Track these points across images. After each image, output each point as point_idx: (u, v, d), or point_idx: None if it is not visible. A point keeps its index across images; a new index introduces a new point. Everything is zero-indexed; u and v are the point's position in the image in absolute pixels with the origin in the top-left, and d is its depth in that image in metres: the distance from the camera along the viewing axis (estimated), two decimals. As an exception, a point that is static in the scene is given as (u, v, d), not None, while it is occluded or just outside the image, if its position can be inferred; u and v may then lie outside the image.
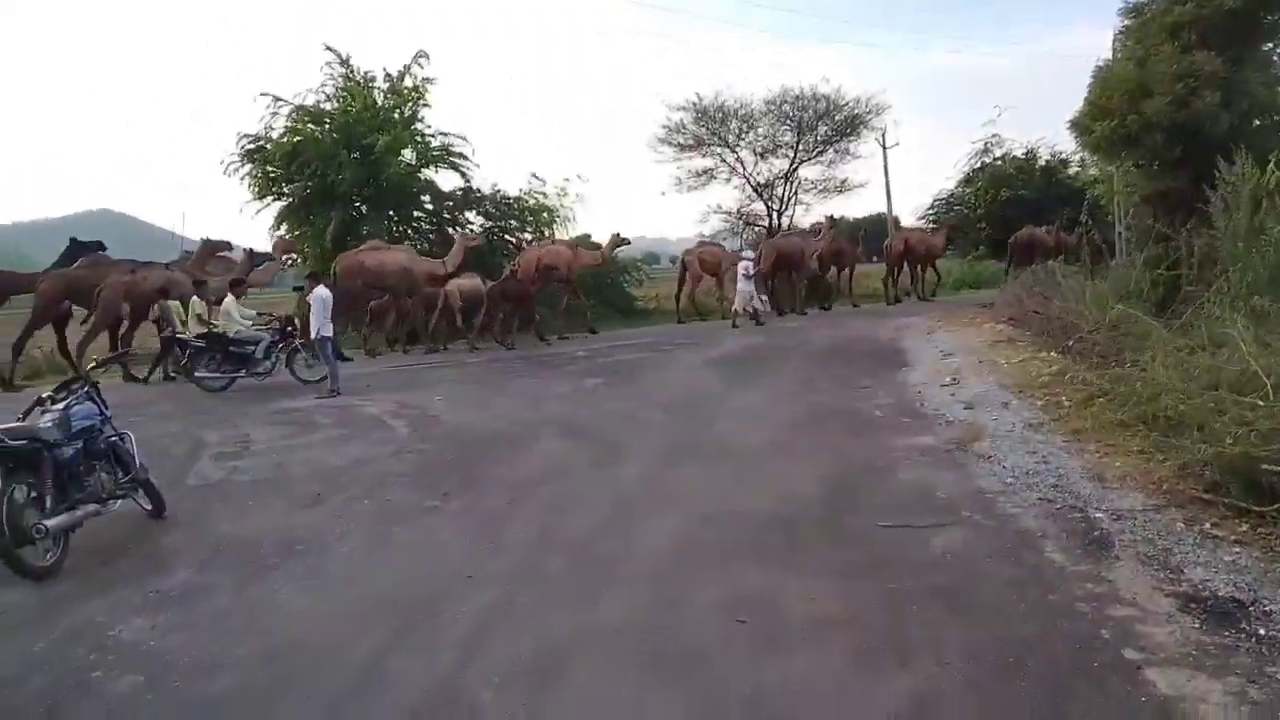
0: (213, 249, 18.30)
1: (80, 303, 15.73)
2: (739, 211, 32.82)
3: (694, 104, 30.93)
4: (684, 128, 31.32)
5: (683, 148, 31.80)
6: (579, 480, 7.12)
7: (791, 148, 31.57)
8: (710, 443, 8.13)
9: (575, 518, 6.04)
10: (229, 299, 13.30)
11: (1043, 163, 34.73)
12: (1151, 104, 17.88)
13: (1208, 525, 5.02)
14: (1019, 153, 34.99)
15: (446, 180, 24.08)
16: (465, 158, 23.04)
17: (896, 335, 16.18)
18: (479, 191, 23.57)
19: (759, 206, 32.51)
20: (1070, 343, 11.35)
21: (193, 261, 17.38)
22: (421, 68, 22.65)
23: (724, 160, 32.01)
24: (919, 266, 26.99)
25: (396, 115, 22.27)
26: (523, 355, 16.36)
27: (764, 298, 22.23)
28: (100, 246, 17.78)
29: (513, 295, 18.29)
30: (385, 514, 6.41)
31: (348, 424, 9.97)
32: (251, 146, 22.19)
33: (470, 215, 23.87)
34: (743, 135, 31.53)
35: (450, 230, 23.03)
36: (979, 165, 35.70)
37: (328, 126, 21.75)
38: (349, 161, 20.89)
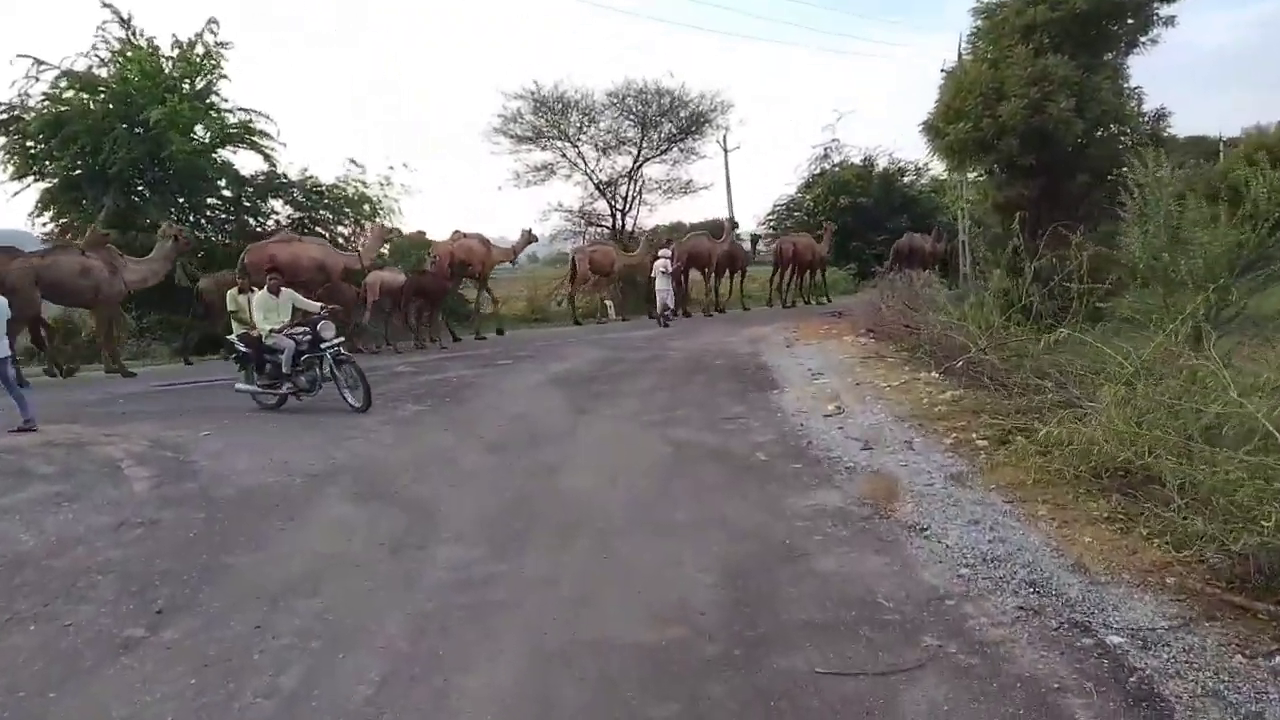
0: None
1: None
2: (581, 210, 30.98)
3: (532, 93, 28.86)
4: (521, 117, 29.19)
5: (520, 139, 29.63)
6: (366, 579, 4.88)
7: (635, 144, 29.99)
8: (555, 507, 6.10)
9: (353, 662, 3.89)
10: None
11: (880, 169, 34.83)
12: (1007, 107, 17.36)
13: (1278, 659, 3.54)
14: (857, 159, 35.00)
15: (249, 163, 21.10)
16: (268, 136, 20.04)
17: (755, 349, 14.74)
18: (284, 177, 20.59)
19: (602, 205, 30.81)
20: (958, 364, 10.15)
21: None
22: (214, 34, 19.54)
23: (564, 155, 30.08)
24: (806, 271, 26.63)
25: (186, 86, 19.10)
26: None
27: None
28: None
29: (428, 290, 17.41)
30: (48, 660, 4.01)
31: (71, 474, 7.23)
32: (4, 116, 18.43)
33: (276, 204, 20.91)
34: (584, 129, 29.68)
35: (250, 220, 20.09)
36: (818, 171, 35.50)
37: (103, 96, 18.33)
38: (125, 136, 17.61)
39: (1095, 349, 8.10)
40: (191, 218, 19.38)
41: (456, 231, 20.64)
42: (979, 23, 19.25)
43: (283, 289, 10.34)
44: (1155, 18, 17.83)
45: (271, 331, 9.98)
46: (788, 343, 15.35)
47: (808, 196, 34.96)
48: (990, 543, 4.96)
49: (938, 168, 35.63)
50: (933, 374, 10.73)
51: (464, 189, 64.75)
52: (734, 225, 26.66)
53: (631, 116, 29.54)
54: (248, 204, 20.36)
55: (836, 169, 34.74)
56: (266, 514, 6.10)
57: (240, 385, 10.51)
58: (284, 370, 9.85)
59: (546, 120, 29.31)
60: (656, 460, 7.22)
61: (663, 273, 21.24)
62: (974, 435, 7.51)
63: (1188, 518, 4.61)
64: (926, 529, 5.28)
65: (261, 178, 20.37)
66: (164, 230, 15.38)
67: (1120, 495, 5.52)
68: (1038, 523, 5.27)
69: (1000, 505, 5.66)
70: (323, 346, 9.67)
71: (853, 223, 30.71)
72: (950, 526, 5.29)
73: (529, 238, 22.07)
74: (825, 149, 35.08)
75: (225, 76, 19.79)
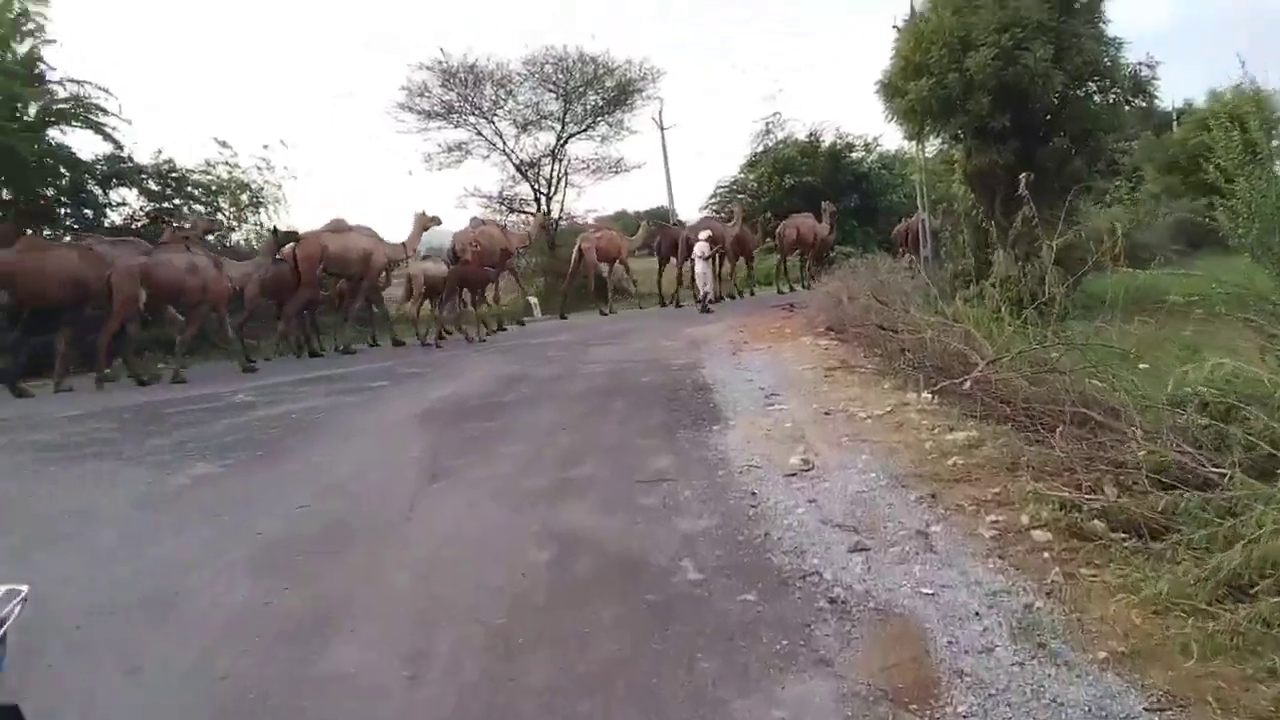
0: None
1: None
2: (501, 195, 27.84)
3: (440, 63, 25.63)
4: (428, 91, 25.94)
5: (429, 115, 26.38)
6: None
7: (558, 119, 26.93)
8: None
9: None
10: None
11: (827, 145, 32.26)
12: (975, 58, 14.83)
13: None
14: (802, 135, 32.39)
15: (88, 146, 17.77)
16: (107, 112, 16.59)
17: (695, 357, 11.93)
18: (130, 160, 17.17)
19: (525, 189, 27.71)
20: (963, 384, 7.47)
21: None
22: (46, -6, 16.07)
23: (480, 133, 26.90)
24: (806, 255, 24.86)
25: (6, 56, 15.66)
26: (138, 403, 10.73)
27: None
28: None
29: (471, 280, 16.73)
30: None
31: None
32: None
33: (125, 193, 17.53)
34: (500, 103, 26.54)
35: (89, 214, 16.74)
36: (761, 149, 32.87)
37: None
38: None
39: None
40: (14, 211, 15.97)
41: (475, 218, 20.08)
42: (938, -39, 16.63)
43: None
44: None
45: None
46: (734, 348, 12.57)
47: (751, 176, 32.31)
48: None
49: (889, 142, 33.57)
50: (924, 395, 8.06)
51: (363, 173, 59.94)
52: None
53: (552, 87, 26.45)
54: (92, 191, 16.98)
55: (781, 145, 32.14)
56: None
57: None
58: None
59: (457, 94, 26.13)
60: (518, 592, 4.26)
61: (701, 257, 19.89)
62: (1023, 516, 4.81)
63: None
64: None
65: (102, 162, 16.96)
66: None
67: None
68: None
69: (1137, 709, 2.95)
70: None
71: (800, 204, 28.04)
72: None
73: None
74: (767, 124, 32.42)
75: (51, 41, 16.40)
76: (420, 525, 5.29)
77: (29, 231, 13.51)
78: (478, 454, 7.00)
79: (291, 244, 14.66)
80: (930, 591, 4.06)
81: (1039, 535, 4.57)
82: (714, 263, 21.38)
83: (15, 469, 7.06)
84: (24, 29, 15.82)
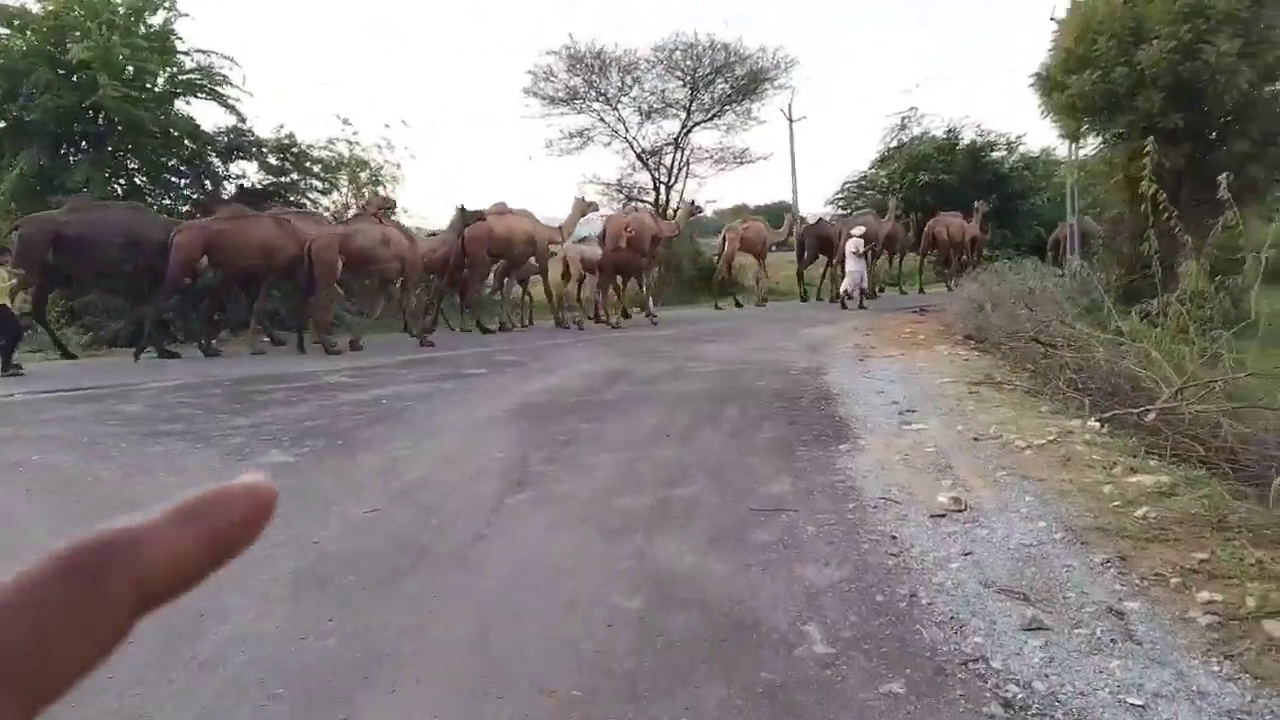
0: None
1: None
2: (619, 183, 27.22)
3: (567, 48, 25.14)
4: (553, 75, 25.49)
5: (553, 101, 25.97)
6: None
7: (683, 107, 26.08)
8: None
9: None
10: None
11: (966, 143, 30.44)
12: (1148, 51, 13.36)
13: None
14: (940, 131, 30.64)
15: (210, 117, 17.89)
16: (231, 84, 16.58)
17: (817, 361, 10.91)
18: (251, 134, 17.15)
19: (644, 177, 26.98)
20: (1147, 415, 6.27)
21: None
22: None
23: (603, 119, 26.33)
24: (957, 254, 23.72)
25: (134, 23, 15.78)
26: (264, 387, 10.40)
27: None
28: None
29: (624, 265, 16.78)
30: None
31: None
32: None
33: (245, 165, 17.55)
34: (626, 89, 25.89)
35: (209, 185, 16.79)
36: (895, 144, 31.26)
37: (30, 33, 15.09)
38: (47, 78, 14.35)
39: None
40: (137, 180, 16.12)
41: (629, 204, 20.64)
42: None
43: None
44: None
45: None
46: (861, 353, 11.47)
47: (882, 173, 30.77)
48: None
49: (1033, 142, 31.45)
50: (1091, 423, 6.88)
51: (485, 157, 60.37)
52: (984, 209, 24.45)
53: (679, 74, 25.63)
54: (211, 162, 17.04)
55: (917, 141, 30.49)
56: None
57: None
58: None
59: (583, 79, 25.60)
60: (598, 654, 3.37)
61: (855, 253, 19.72)
62: (1248, 599, 3.71)
63: None
64: None
65: (225, 135, 16.98)
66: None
67: None
68: None
69: None
70: None
71: (934, 202, 26.43)
72: None
73: (692, 209, 20.09)
74: (903, 119, 30.80)
75: (184, 14, 16.49)
76: (494, 549, 4.51)
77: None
78: (568, 461, 6.22)
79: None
80: (1139, 703, 3.04)
81: (1272, 628, 3.48)
82: (867, 259, 20.79)
83: (87, 444, 6.67)
84: (156, 2, 15.91)
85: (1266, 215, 20.79)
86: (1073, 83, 14.45)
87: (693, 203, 20.17)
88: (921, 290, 24.31)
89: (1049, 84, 15.53)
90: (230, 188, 16.82)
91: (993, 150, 30.58)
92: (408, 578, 4.11)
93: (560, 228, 17.31)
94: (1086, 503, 5.07)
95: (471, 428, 7.39)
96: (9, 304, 10.55)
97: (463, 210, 14.57)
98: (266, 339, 13.86)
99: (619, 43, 25.69)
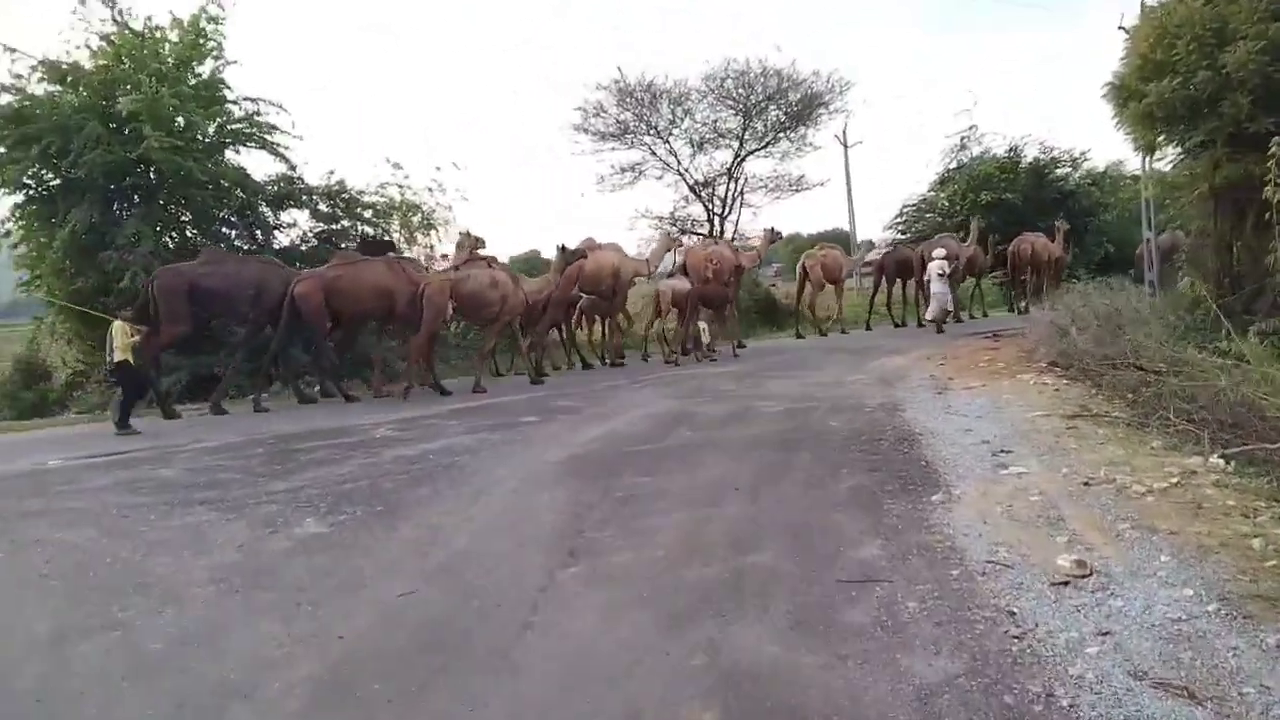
0: None
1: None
2: (673, 215, 26.77)
3: (616, 82, 24.86)
4: (603, 110, 25.22)
5: (603, 136, 25.70)
6: None
7: (736, 137, 25.58)
8: None
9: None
10: None
11: (1029, 161, 29.33)
12: (1234, 53, 12.45)
13: None
14: (1001, 150, 29.61)
15: (260, 166, 17.82)
16: (280, 130, 16.45)
17: (892, 395, 10.15)
18: (301, 181, 17.00)
19: (697, 209, 26.48)
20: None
21: None
22: (223, 10, 16.18)
23: (654, 153, 25.96)
24: (1038, 276, 23.17)
25: (183, 72, 15.79)
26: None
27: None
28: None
29: (711, 299, 16.61)
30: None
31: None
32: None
33: (295, 213, 17.39)
34: (677, 122, 25.50)
35: (260, 235, 16.68)
36: (954, 165, 30.31)
37: (81, 89, 15.14)
38: (98, 134, 14.34)
39: None
40: (189, 233, 16.05)
41: (707, 239, 20.79)
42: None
43: None
44: None
45: None
46: (938, 385, 10.68)
47: (942, 195, 29.79)
48: None
49: (1098, 157, 30.18)
50: (1214, 460, 6.06)
51: (536, 195, 60.74)
52: (1065, 228, 23.92)
53: (731, 103, 25.17)
54: (262, 213, 16.92)
55: (976, 161, 29.50)
56: None
57: None
58: None
59: (633, 113, 25.29)
60: None
61: (939, 275, 19.53)
62: None
63: None
64: None
65: (275, 183, 16.87)
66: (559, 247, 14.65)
67: None
68: None
69: None
70: None
71: (998, 222, 25.39)
72: None
73: (772, 236, 19.76)
74: (962, 139, 29.90)
75: (233, 62, 16.49)
76: (539, 643, 3.87)
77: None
78: (626, 523, 5.58)
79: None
80: None
81: None
82: (951, 282, 20.42)
83: (113, 518, 6.24)
84: (205, 49, 15.92)
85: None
86: (1151, 90, 13.58)
87: (773, 229, 19.65)
88: (984, 314, 23.64)
89: (1124, 93, 14.65)
90: (281, 237, 16.73)
91: (1057, 167, 29.42)
92: (437, 685, 3.50)
93: (647, 260, 17.47)
94: (1235, 561, 4.29)
95: (520, 486, 6.79)
96: (130, 359, 10.47)
97: (563, 249, 14.48)
98: (316, 388, 13.59)
99: (669, 74, 25.32)
